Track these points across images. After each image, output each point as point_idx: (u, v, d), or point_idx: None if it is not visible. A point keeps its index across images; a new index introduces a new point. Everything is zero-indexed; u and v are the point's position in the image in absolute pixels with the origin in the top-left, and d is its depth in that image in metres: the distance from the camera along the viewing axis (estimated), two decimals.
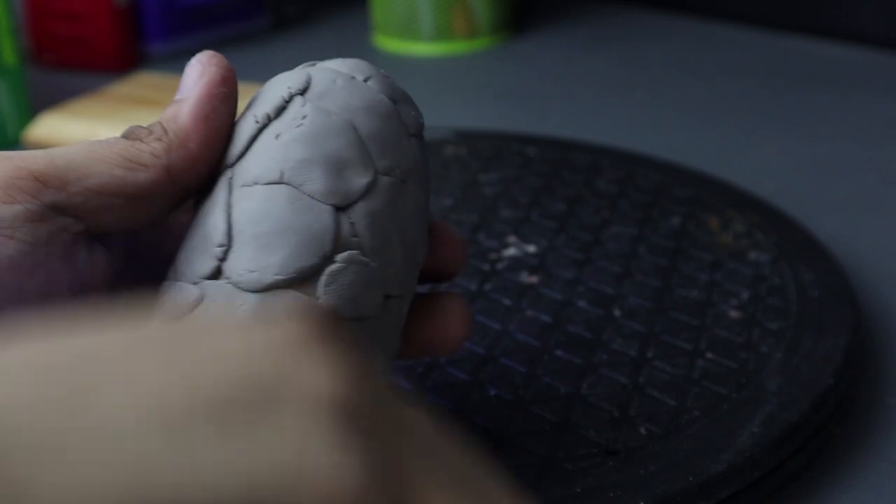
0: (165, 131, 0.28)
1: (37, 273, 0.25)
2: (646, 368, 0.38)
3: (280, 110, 0.28)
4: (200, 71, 0.28)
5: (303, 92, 0.28)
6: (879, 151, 0.63)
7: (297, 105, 0.27)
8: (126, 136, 0.27)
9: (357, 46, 0.89)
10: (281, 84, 0.28)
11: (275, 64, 0.84)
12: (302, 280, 0.26)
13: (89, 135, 0.64)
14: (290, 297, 0.25)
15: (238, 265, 0.26)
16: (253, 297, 0.25)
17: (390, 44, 0.88)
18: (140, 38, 0.84)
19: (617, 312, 0.42)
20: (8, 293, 0.25)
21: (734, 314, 0.41)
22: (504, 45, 0.87)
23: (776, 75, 0.77)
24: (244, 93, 0.69)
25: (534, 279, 0.44)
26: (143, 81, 0.72)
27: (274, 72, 0.82)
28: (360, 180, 0.27)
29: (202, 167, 0.28)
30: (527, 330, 0.40)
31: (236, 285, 0.26)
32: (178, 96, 0.28)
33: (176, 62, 0.84)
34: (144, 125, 0.28)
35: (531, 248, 0.47)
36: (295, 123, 0.27)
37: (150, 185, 0.27)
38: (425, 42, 0.86)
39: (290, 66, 0.83)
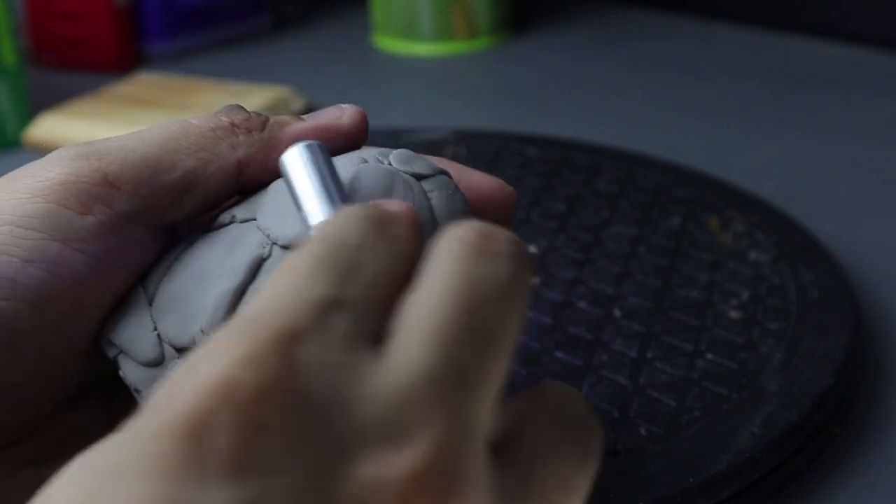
0: (264, 128, 0.27)
1: (99, 286, 0.25)
2: (646, 369, 0.38)
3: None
4: (340, 114, 0.28)
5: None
6: (879, 151, 0.63)
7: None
8: (221, 114, 0.27)
9: (357, 46, 0.89)
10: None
11: (275, 64, 0.84)
12: None
13: (89, 135, 0.64)
14: None
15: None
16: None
17: (390, 44, 0.88)
18: (140, 38, 0.84)
19: (617, 313, 0.42)
20: (68, 306, 0.24)
21: (734, 314, 0.41)
22: (504, 45, 0.87)
23: (776, 75, 0.77)
24: (244, 92, 0.69)
25: (534, 280, 0.44)
26: (143, 81, 0.72)
27: (274, 72, 0.82)
28: None
29: (269, 179, 0.27)
30: (527, 331, 0.40)
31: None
32: (307, 117, 0.28)
33: (176, 62, 0.84)
34: (248, 110, 0.27)
35: (531, 249, 0.47)
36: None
37: (217, 175, 0.26)
38: (425, 42, 0.86)
39: (290, 67, 0.83)
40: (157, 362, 0.25)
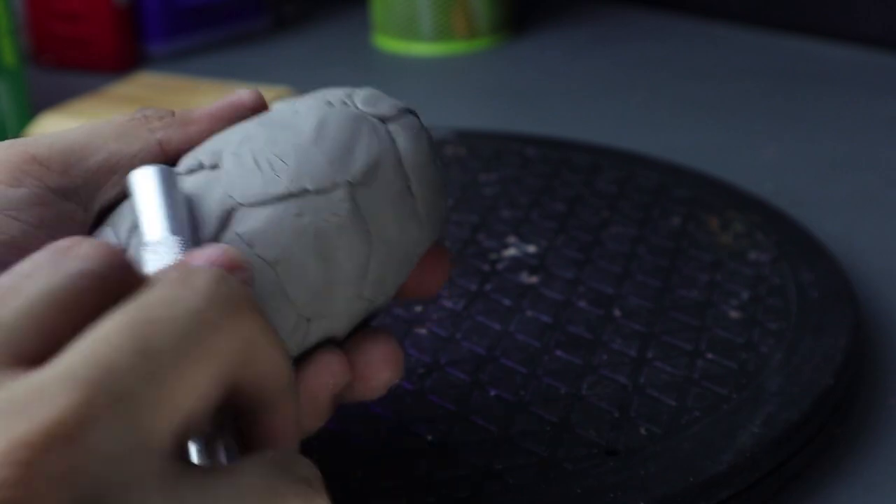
0: (172, 114, 0.29)
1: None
2: (646, 369, 0.38)
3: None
4: (235, 98, 0.30)
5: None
6: (879, 151, 0.63)
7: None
8: (135, 113, 0.29)
9: (357, 46, 0.89)
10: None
11: (275, 64, 0.84)
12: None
13: None
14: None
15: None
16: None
17: (390, 44, 0.88)
18: (140, 38, 0.84)
19: (617, 313, 0.42)
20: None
21: (734, 314, 0.41)
22: (504, 45, 0.87)
23: (776, 75, 0.77)
24: None
25: (534, 279, 0.44)
26: (143, 81, 0.72)
27: (274, 72, 0.82)
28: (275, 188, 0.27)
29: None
30: (527, 330, 0.40)
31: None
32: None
33: (176, 62, 0.84)
34: (157, 109, 0.29)
35: (531, 249, 0.47)
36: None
37: (142, 155, 0.28)
38: (425, 42, 0.86)
39: (290, 67, 0.83)
40: None
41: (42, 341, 0.19)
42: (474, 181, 0.54)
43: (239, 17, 0.90)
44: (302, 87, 0.78)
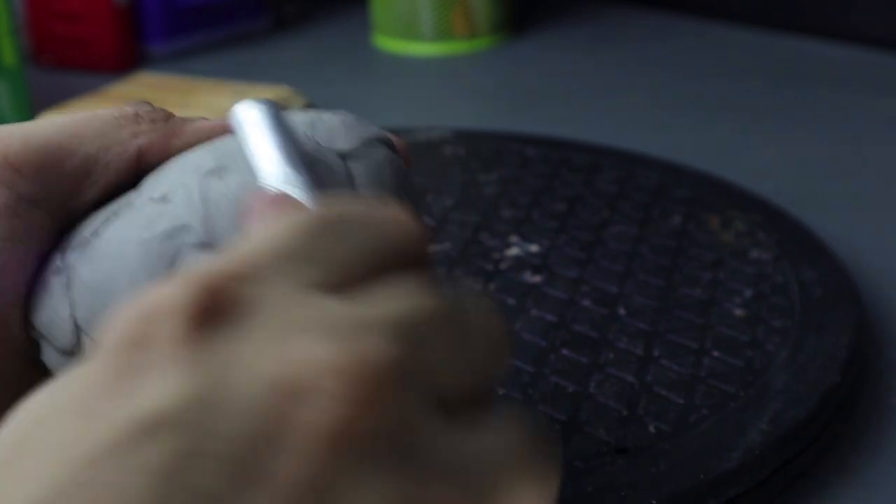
0: (165, 119, 0.27)
1: (11, 268, 0.24)
2: (652, 367, 0.38)
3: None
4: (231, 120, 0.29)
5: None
6: (879, 151, 0.63)
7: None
8: (128, 106, 0.27)
9: (357, 46, 0.89)
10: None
11: (275, 64, 0.84)
12: None
13: None
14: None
15: None
16: None
17: (390, 44, 0.88)
18: (140, 38, 0.84)
19: (622, 311, 0.42)
20: None
21: (738, 312, 0.41)
22: (504, 45, 0.87)
23: (776, 75, 0.77)
24: (243, 92, 0.69)
25: (537, 279, 0.44)
26: (143, 81, 0.72)
27: (274, 72, 0.82)
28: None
29: None
30: (533, 329, 0.41)
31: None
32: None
33: (176, 62, 0.84)
34: (155, 107, 0.28)
35: (534, 248, 0.47)
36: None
37: (116, 163, 0.26)
38: (425, 42, 0.86)
39: (290, 67, 0.83)
40: (74, 350, 0.24)
41: (349, 287, 0.19)
42: (474, 181, 0.55)
43: (239, 17, 0.90)
44: (302, 86, 0.78)
